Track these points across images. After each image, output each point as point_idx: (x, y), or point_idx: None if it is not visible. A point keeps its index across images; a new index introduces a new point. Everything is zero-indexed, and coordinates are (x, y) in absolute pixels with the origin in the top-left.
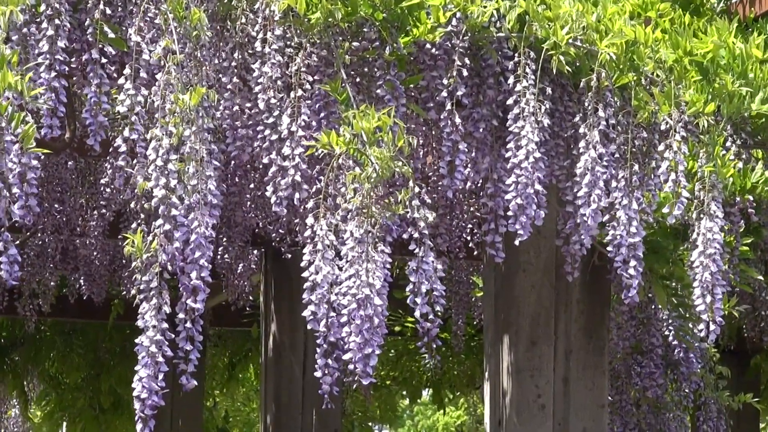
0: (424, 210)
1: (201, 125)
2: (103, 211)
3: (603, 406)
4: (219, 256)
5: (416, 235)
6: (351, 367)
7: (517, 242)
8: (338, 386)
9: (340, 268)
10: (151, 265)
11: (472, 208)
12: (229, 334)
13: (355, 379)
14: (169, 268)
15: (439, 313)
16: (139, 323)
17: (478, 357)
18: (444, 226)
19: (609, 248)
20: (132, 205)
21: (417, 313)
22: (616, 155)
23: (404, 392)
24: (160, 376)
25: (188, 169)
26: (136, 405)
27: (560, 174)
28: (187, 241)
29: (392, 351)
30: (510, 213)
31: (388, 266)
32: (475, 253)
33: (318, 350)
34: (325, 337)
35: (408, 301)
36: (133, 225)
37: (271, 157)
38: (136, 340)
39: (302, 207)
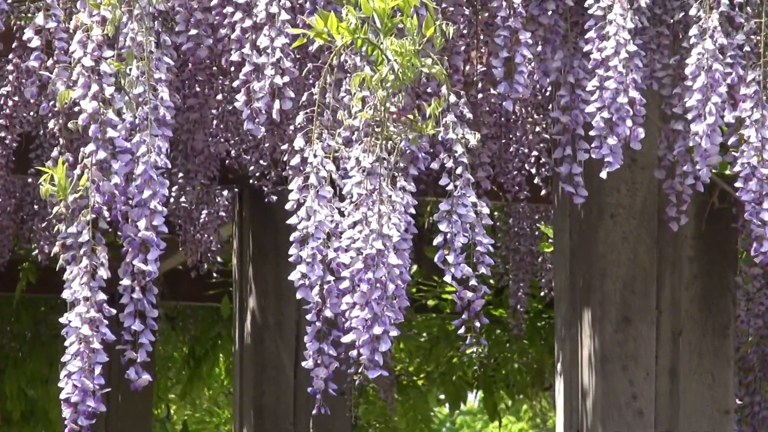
0: (463, 129)
1: (146, 8)
2: (5, 134)
3: (727, 412)
4: (173, 200)
5: (451, 164)
6: (354, 354)
7: (603, 174)
8: (339, 383)
9: (342, 213)
10: (81, 211)
11: (537, 127)
12: (188, 312)
13: (359, 371)
14: (107, 214)
15: (487, 278)
16: (65, 295)
17: (547, 342)
18: (495, 153)
19: (735, 184)
20: (50, 125)
21: (448, 278)
22: (745, 48)
23: (441, 395)
24: (98, 370)
25: (130, 71)
26: (65, 412)
27: (664, 76)
28: (131, 176)
29: (424, 335)
30: (593, 132)
31: (411, 210)
32: (543, 192)
33: (309, 330)
34: (319, 312)
35: (436, 260)
36: (53, 153)
37: (243, 53)
38: (62, 320)
39: (289, 125)
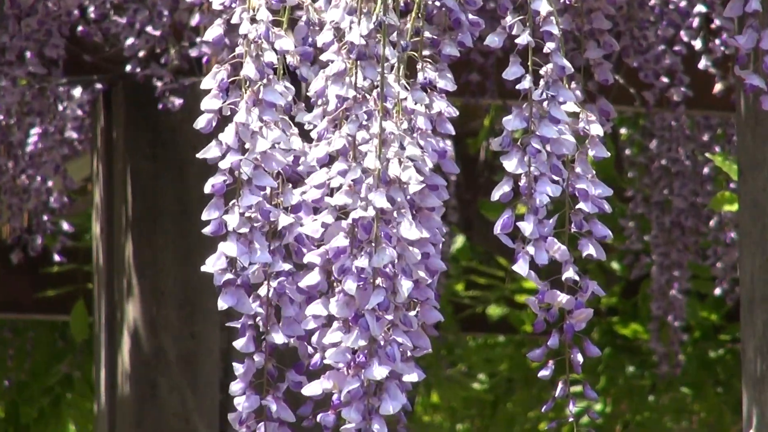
0: None
1: None
2: None
3: None
4: None
5: (526, 39)
6: (329, 418)
7: None
8: None
9: (308, 135)
10: None
11: None
12: (5, 334)
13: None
14: None
15: (601, 266)
16: None
17: (729, 390)
18: (617, 16)
19: None
20: None
21: (522, 267)
22: None
23: None
24: None
25: None
26: None
27: None
28: None
29: (481, 377)
30: None
31: (448, 129)
32: (715, 90)
33: (240, 371)
34: (260, 334)
35: (499, 228)
36: None
37: None
38: None
39: None
